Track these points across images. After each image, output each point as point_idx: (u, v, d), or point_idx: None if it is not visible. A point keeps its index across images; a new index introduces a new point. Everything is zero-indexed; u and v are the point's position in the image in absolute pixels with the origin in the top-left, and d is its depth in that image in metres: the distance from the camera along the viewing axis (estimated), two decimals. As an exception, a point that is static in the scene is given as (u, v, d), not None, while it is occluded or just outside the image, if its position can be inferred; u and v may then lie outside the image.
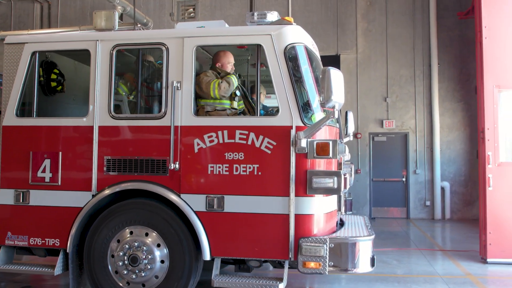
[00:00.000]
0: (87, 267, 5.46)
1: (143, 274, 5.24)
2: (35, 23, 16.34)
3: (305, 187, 5.00)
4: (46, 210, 5.58)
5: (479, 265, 8.13)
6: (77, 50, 5.95)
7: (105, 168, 5.46)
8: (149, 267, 5.23)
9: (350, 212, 6.77)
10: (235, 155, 5.17)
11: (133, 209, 5.39)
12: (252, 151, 5.13)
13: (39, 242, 5.58)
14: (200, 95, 5.54)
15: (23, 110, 5.84)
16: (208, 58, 6.26)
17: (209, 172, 5.22)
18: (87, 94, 5.62)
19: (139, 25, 13.24)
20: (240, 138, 5.17)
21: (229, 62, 5.78)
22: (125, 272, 5.27)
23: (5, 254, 5.77)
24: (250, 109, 5.98)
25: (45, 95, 6.15)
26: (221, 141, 5.20)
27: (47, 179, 5.59)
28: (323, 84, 4.68)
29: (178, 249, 5.22)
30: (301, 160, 5.03)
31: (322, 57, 6.48)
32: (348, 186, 5.82)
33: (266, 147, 5.10)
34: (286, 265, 5.15)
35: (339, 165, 5.58)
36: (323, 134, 5.17)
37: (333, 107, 4.77)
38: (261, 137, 5.12)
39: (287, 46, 5.18)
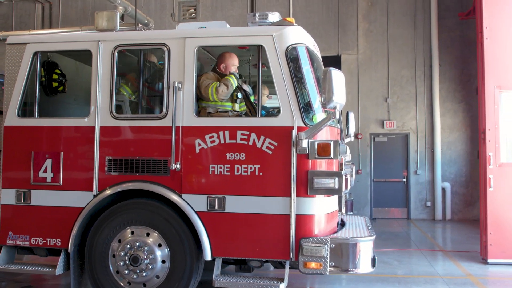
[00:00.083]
0: (88, 267, 5.47)
1: (144, 274, 5.24)
2: (36, 24, 16.36)
3: (306, 188, 5.01)
4: (48, 210, 5.58)
5: (479, 265, 8.14)
6: (79, 51, 5.96)
7: (106, 168, 5.47)
8: (150, 267, 5.24)
9: (351, 213, 6.77)
10: (236, 155, 5.17)
11: (134, 209, 5.40)
12: (253, 152, 5.13)
13: (41, 242, 5.59)
14: (201, 97, 5.55)
15: (25, 110, 5.85)
16: (210, 59, 6.27)
17: (210, 173, 5.22)
18: (88, 95, 5.63)
19: (140, 26, 13.24)
20: (241, 139, 5.17)
21: (233, 64, 5.75)
22: (126, 272, 5.28)
23: (6, 253, 5.77)
24: (252, 110, 5.98)
25: (46, 95, 6.16)
26: (222, 142, 5.21)
27: (48, 179, 5.60)
28: (324, 85, 4.69)
29: (179, 249, 5.23)
30: (302, 160, 5.03)
31: (323, 57, 6.49)
32: (349, 187, 5.83)
33: (267, 147, 5.11)
34: (287, 266, 5.15)
35: (340, 165, 5.58)
36: (324, 135, 5.18)
37: (334, 108, 4.78)
38: (262, 138, 5.12)
39: (288, 46, 5.19)
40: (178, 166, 5.26)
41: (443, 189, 14.23)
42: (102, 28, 5.82)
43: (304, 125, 5.04)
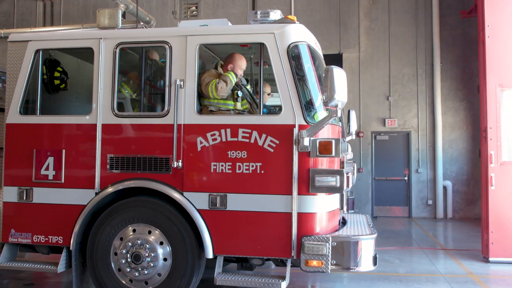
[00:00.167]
0: (90, 264, 5.48)
1: (146, 272, 5.25)
2: (37, 21, 16.37)
3: (308, 186, 5.01)
4: (49, 208, 5.59)
5: (481, 264, 8.14)
6: (81, 48, 5.96)
7: (108, 166, 5.47)
8: (152, 265, 5.24)
9: (352, 211, 6.76)
10: (238, 153, 5.17)
11: (136, 207, 5.40)
12: (255, 150, 5.13)
13: (42, 240, 5.60)
14: (203, 95, 5.55)
15: (27, 108, 5.85)
16: (211, 57, 6.26)
17: (212, 171, 5.22)
18: (90, 92, 5.63)
19: (141, 23, 13.23)
20: (243, 137, 5.17)
21: (241, 68, 5.76)
22: (128, 269, 5.28)
23: (8, 251, 5.78)
24: (254, 107, 5.98)
25: (48, 93, 6.16)
26: (224, 140, 5.21)
27: (50, 177, 5.60)
28: (326, 83, 4.69)
29: (181, 247, 5.23)
30: (304, 158, 5.03)
31: (324, 56, 6.48)
32: (350, 185, 5.82)
33: (269, 145, 5.11)
34: (289, 264, 5.15)
35: (342, 163, 5.58)
36: (326, 133, 5.18)
37: (336, 106, 4.77)
38: (264, 136, 5.12)
39: (290, 44, 5.19)
40: (180, 164, 5.26)
41: (445, 188, 14.23)
42: (104, 26, 5.81)
43: (305, 123, 5.04)
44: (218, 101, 5.55)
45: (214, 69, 5.80)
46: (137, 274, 5.26)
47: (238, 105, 5.70)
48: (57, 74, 6.20)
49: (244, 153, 5.16)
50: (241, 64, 5.76)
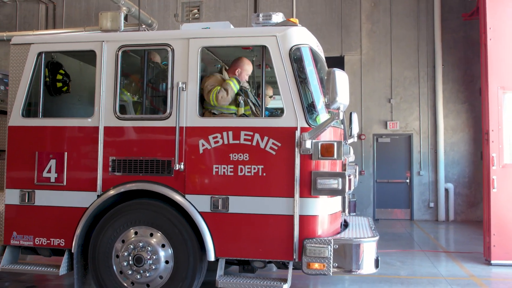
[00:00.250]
0: (91, 267, 5.48)
1: (147, 275, 5.25)
2: (40, 24, 16.42)
3: (310, 188, 5.01)
4: (51, 210, 5.59)
5: (483, 266, 8.12)
6: (83, 51, 5.97)
7: (110, 169, 5.47)
8: (153, 267, 5.24)
9: (354, 213, 6.76)
10: (240, 156, 5.17)
11: (138, 209, 5.40)
12: (257, 152, 5.13)
13: (44, 242, 5.60)
14: (206, 99, 5.57)
15: (29, 110, 5.87)
16: (213, 59, 6.27)
17: (214, 173, 5.23)
18: (92, 95, 5.64)
19: (143, 26, 13.27)
20: (245, 139, 5.17)
21: (247, 73, 5.79)
22: (130, 272, 5.28)
23: (10, 254, 5.78)
24: (256, 112, 5.97)
25: (50, 96, 6.17)
26: (226, 142, 5.21)
27: (52, 179, 5.61)
28: (328, 86, 4.69)
29: (183, 250, 5.23)
30: (306, 161, 5.03)
31: (326, 58, 6.49)
32: (352, 187, 5.82)
33: (271, 148, 5.11)
34: (290, 266, 5.14)
35: (344, 166, 5.58)
36: (328, 135, 5.18)
37: (338, 109, 4.78)
38: (266, 138, 5.12)
39: (292, 47, 5.19)
40: (182, 166, 5.27)
41: (446, 190, 14.22)
42: (106, 29, 5.83)
43: (307, 126, 5.04)
44: (222, 107, 5.56)
45: (218, 73, 5.79)
46: (138, 276, 5.26)
47: (241, 111, 5.70)
48: (59, 76, 6.22)
49: (246, 155, 5.16)
50: (248, 69, 5.78)
